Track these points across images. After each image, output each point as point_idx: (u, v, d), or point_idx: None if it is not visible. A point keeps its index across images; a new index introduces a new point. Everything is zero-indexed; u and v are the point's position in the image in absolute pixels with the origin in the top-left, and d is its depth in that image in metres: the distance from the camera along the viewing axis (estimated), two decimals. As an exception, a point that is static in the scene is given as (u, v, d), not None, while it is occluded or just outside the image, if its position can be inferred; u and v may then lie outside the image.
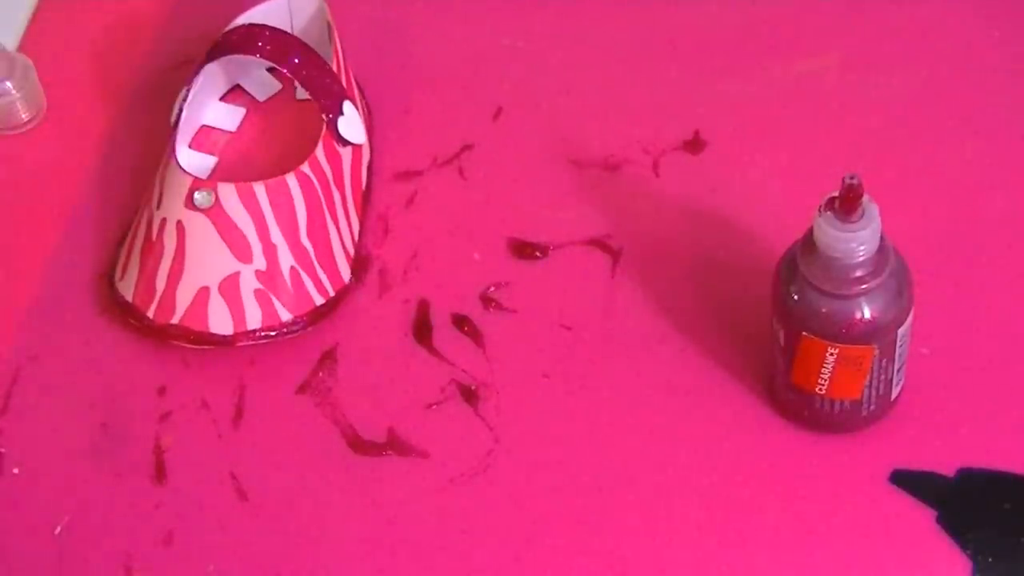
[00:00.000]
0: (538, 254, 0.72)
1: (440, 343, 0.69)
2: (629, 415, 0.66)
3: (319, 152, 0.70)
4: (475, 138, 0.76)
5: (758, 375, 0.66)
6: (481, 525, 0.63)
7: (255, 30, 0.72)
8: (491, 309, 0.70)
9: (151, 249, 0.69)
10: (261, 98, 0.78)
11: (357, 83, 0.76)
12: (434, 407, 0.67)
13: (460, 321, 0.70)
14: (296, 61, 0.71)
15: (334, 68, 0.73)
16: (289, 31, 0.74)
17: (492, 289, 0.71)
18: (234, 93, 0.78)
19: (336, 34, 0.75)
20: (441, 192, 0.74)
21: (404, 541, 0.63)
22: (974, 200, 0.71)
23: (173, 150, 0.71)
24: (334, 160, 0.71)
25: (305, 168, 0.69)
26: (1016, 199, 0.71)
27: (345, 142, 0.72)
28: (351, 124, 0.72)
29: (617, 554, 0.62)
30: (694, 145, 0.74)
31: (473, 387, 0.68)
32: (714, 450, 0.65)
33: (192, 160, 0.75)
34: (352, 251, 0.72)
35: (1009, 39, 0.77)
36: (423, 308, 0.70)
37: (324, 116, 0.71)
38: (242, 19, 0.75)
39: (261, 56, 0.71)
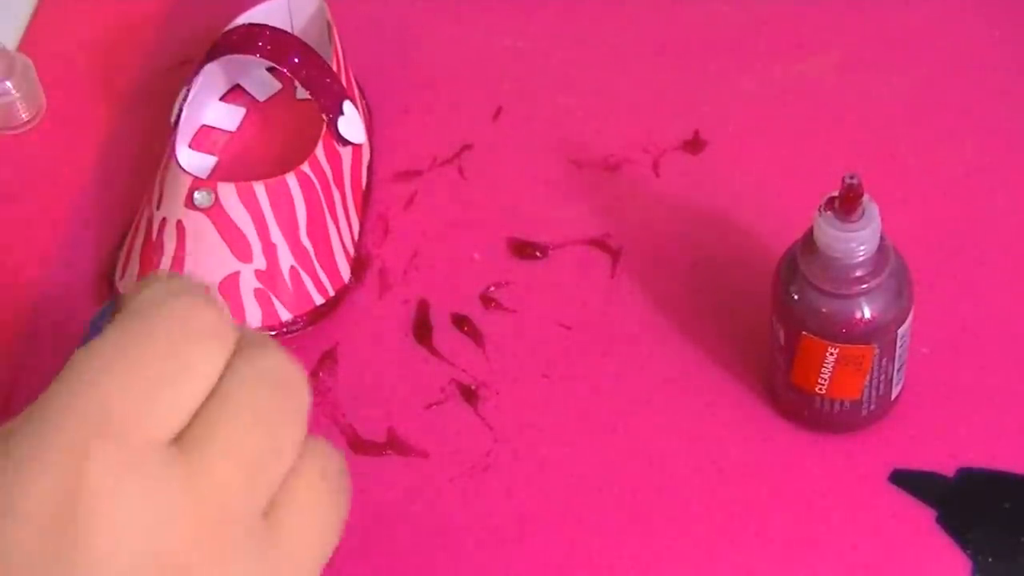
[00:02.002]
0: (538, 254, 0.72)
1: (440, 343, 0.69)
2: (629, 415, 0.66)
3: (319, 152, 0.70)
4: (475, 138, 0.76)
5: (758, 375, 0.66)
6: (481, 524, 0.63)
7: (255, 30, 0.72)
8: (491, 309, 0.70)
9: (151, 249, 0.69)
10: (261, 98, 0.78)
11: (357, 83, 0.76)
12: (434, 407, 0.67)
13: (460, 321, 0.70)
14: (296, 61, 0.71)
15: (334, 68, 0.73)
16: (289, 31, 0.74)
17: (492, 289, 0.71)
18: (234, 93, 0.78)
19: (336, 34, 0.75)
20: (441, 192, 0.74)
21: (403, 540, 0.63)
22: (974, 200, 0.71)
23: (173, 150, 0.71)
24: (334, 160, 0.71)
25: (305, 168, 0.69)
26: (1016, 199, 0.71)
27: (345, 142, 0.72)
28: (351, 124, 0.72)
29: (617, 553, 0.62)
30: (694, 145, 0.75)
31: (473, 387, 0.68)
32: (714, 450, 0.65)
33: (192, 160, 0.75)
34: (352, 251, 0.72)
35: (1009, 38, 0.77)
36: (423, 308, 0.70)
37: (324, 116, 0.71)
38: (242, 19, 0.75)
39: (261, 56, 0.71)
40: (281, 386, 0.44)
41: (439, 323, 0.70)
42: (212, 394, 0.43)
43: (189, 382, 0.43)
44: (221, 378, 0.43)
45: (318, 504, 0.45)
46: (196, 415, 0.42)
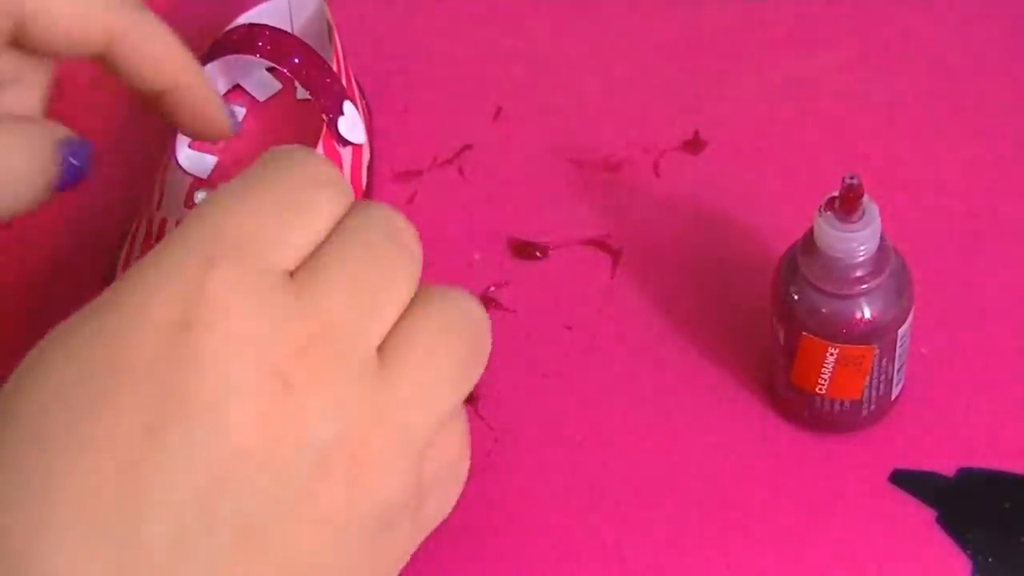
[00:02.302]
0: (538, 254, 0.72)
1: (440, 343, 0.69)
2: (629, 415, 0.66)
3: (319, 152, 0.70)
4: (475, 138, 0.76)
5: (758, 375, 0.66)
6: (481, 525, 0.63)
7: (255, 30, 0.72)
8: (491, 309, 0.70)
9: (152, 249, 0.69)
10: (261, 98, 0.78)
11: (357, 83, 0.76)
12: (434, 407, 0.67)
13: (460, 321, 0.70)
14: (296, 61, 0.71)
15: (334, 68, 0.73)
16: (289, 31, 0.74)
17: (492, 289, 0.71)
18: (234, 93, 0.78)
19: (336, 34, 0.75)
20: (441, 192, 0.74)
21: (404, 541, 0.63)
22: (974, 200, 0.71)
23: (173, 150, 0.71)
24: (334, 160, 0.71)
25: None
26: (1017, 199, 0.71)
27: (345, 142, 0.72)
28: (351, 124, 0.72)
29: (616, 554, 0.62)
30: (694, 145, 0.75)
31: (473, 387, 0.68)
32: (714, 450, 0.65)
33: (192, 160, 0.75)
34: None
35: (1011, 38, 0.77)
36: (423, 308, 0.70)
37: (324, 116, 0.71)
38: (242, 19, 0.75)
39: (261, 56, 0.71)
40: (392, 233, 0.47)
41: (439, 323, 0.70)
42: (328, 237, 0.46)
43: (311, 219, 0.46)
44: (338, 224, 0.47)
45: (437, 347, 0.47)
46: (312, 253, 0.46)
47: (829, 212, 0.57)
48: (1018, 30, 0.78)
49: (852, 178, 0.56)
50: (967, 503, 0.62)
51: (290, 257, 0.45)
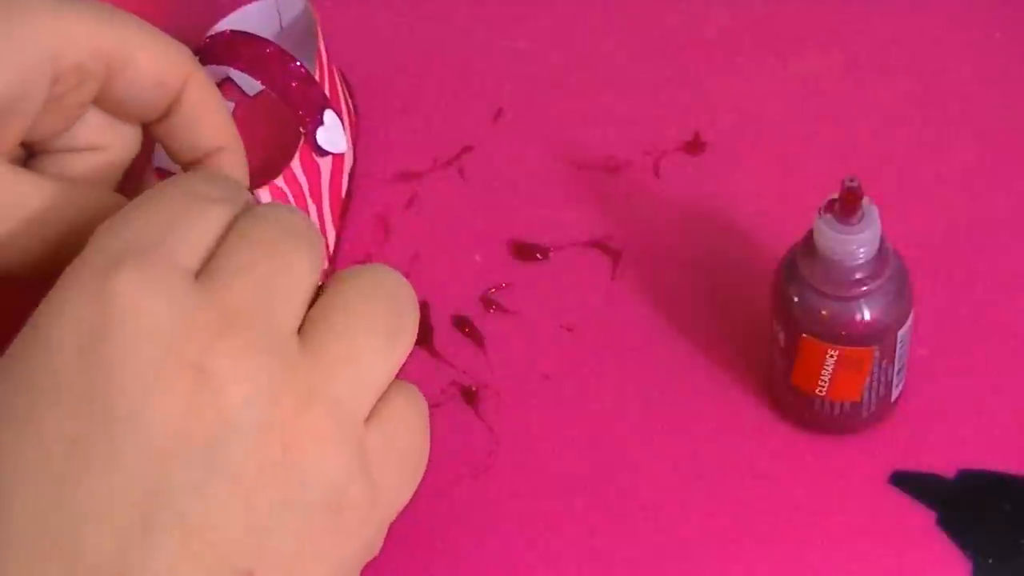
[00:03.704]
0: (539, 256, 0.72)
1: (441, 345, 0.69)
2: (629, 416, 0.66)
3: (295, 164, 0.68)
4: (475, 139, 0.76)
5: (758, 376, 0.66)
6: (481, 526, 0.64)
7: (235, 40, 0.70)
8: (492, 311, 0.70)
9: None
10: (250, 92, 0.77)
11: (346, 83, 0.75)
12: (434, 408, 0.67)
13: (461, 323, 0.70)
14: (271, 73, 0.69)
15: (317, 70, 0.71)
16: (278, 29, 0.73)
17: (493, 291, 0.71)
18: (223, 87, 0.77)
19: (320, 32, 0.73)
20: (442, 193, 0.74)
21: (403, 543, 0.63)
22: (974, 201, 0.71)
23: (149, 155, 0.70)
24: (311, 171, 0.69)
25: (279, 182, 0.68)
26: (1016, 200, 0.71)
27: (323, 152, 0.70)
28: (331, 133, 0.70)
29: (617, 554, 0.62)
30: (694, 146, 0.75)
31: (474, 388, 0.68)
32: (714, 451, 0.65)
33: (173, 164, 0.74)
34: (325, 263, 0.70)
35: (1010, 40, 0.77)
36: (423, 310, 0.70)
37: (301, 128, 0.69)
38: (231, 17, 0.74)
39: (239, 67, 0.69)
40: (287, 225, 0.48)
41: (440, 325, 0.70)
42: (224, 239, 0.47)
43: (204, 223, 0.47)
44: (231, 228, 0.47)
45: (354, 317, 0.47)
46: (212, 254, 0.46)
47: (829, 214, 0.57)
48: (1019, 33, 0.78)
49: (852, 180, 0.56)
50: (967, 505, 0.62)
51: (191, 256, 0.46)
